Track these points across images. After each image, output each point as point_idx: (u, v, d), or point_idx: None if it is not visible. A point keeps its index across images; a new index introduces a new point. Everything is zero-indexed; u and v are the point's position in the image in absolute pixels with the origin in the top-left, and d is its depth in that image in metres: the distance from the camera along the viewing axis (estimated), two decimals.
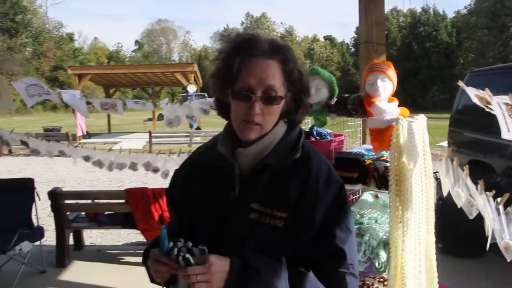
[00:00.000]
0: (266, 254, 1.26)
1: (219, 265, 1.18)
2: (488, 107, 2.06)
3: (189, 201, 1.43)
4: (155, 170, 4.45)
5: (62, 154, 4.24)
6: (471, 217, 2.31)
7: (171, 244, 1.20)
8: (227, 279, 1.18)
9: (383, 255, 2.33)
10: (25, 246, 4.35)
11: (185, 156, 4.24)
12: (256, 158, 1.33)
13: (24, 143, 3.98)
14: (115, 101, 4.65)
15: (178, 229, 1.41)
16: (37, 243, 4.63)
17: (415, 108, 33.02)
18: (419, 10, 56.55)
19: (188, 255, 1.17)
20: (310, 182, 1.30)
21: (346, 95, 2.54)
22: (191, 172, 1.48)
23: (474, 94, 2.11)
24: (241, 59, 1.28)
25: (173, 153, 4.63)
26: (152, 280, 1.34)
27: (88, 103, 5.10)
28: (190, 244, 1.20)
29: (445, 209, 4.40)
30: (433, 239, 2.37)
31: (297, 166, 1.32)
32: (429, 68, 49.62)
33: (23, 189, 4.71)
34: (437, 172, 2.54)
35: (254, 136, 1.30)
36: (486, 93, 2.07)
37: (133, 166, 4.36)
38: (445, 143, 7.51)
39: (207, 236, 1.31)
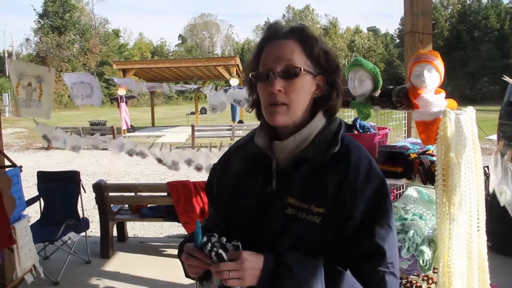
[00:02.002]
0: (302, 251, 1.22)
1: (253, 262, 1.16)
2: None
3: (225, 194, 1.41)
4: (199, 168, 4.45)
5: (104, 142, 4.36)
6: None
7: (205, 238, 1.18)
8: (260, 276, 1.16)
9: (427, 252, 2.25)
10: (73, 236, 4.52)
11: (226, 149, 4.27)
12: (293, 152, 1.30)
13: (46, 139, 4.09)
14: (162, 84, 4.71)
15: (215, 223, 1.40)
16: (83, 234, 4.78)
17: (463, 99, 31.93)
18: None
19: (221, 251, 1.15)
20: (349, 177, 1.24)
21: (391, 87, 2.46)
22: (229, 165, 1.47)
23: None
24: (261, 48, 1.30)
25: (215, 146, 4.64)
26: (187, 275, 1.33)
27: (131, 97, 5.20)
28: (224, 239, 1.19)
29: (495, 205, 4.22)
30: (484, 237, 2.27)
31: (336, 160, 1.27)
32: (479, 58, 47.66)
33: (70, 181, 4.87)
34: (486, 166, 2.44)
35: (282, 119, 1.26)
36: None
37: (175, 166, 4.36)
38: (494, 137, 7.22)
39: (243, 231, 1.30)
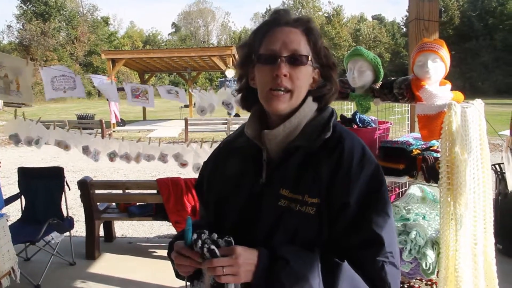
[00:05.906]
0: (298, 243, 1.24)
1: (247, 257, 1.17)
2: None
3: (215, 190, 1.44)
4: (184, 164, 4.48)
5: (85, 149, 4.36)
6: None
7: (195, 236, 1.19)
8: (255, 271, 1.17)
9: (431, 255, 2.24)
10: (56, 236, 4.51)
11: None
12: (285, 141, 1.32)
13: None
14: (146, 87, 4.70)
15: (208, 222, 1.41)
16: (67, 234, 4.77)
17: (475, 92, 31.90)
18: None
19: (213, 246, 1.15)
20: (343, 164, 1.27)
21: (392, 78, 2.45)
22: (218, 161, 1.49)
23: None
24: (264, 32, 1.32)
25: (207, 141, 4.64)
26: (178, 275, 1.35)
27: (120, 89, 5.20)
28: (216, 235, 1.19)
29: (505, 205, 4.22)
30: (492, 239, 2.26)
31: (328, 147, 1.30)
32: (493, 48, 47.41)
33: (53, 178, 4.85)
34: (496, 164, 2.43)
35: (283, 106, 1.29)
36: None
37: (163, 158, 4.37)
38: (507, 132, 7.19)
39: (235, 226, 1.31)
